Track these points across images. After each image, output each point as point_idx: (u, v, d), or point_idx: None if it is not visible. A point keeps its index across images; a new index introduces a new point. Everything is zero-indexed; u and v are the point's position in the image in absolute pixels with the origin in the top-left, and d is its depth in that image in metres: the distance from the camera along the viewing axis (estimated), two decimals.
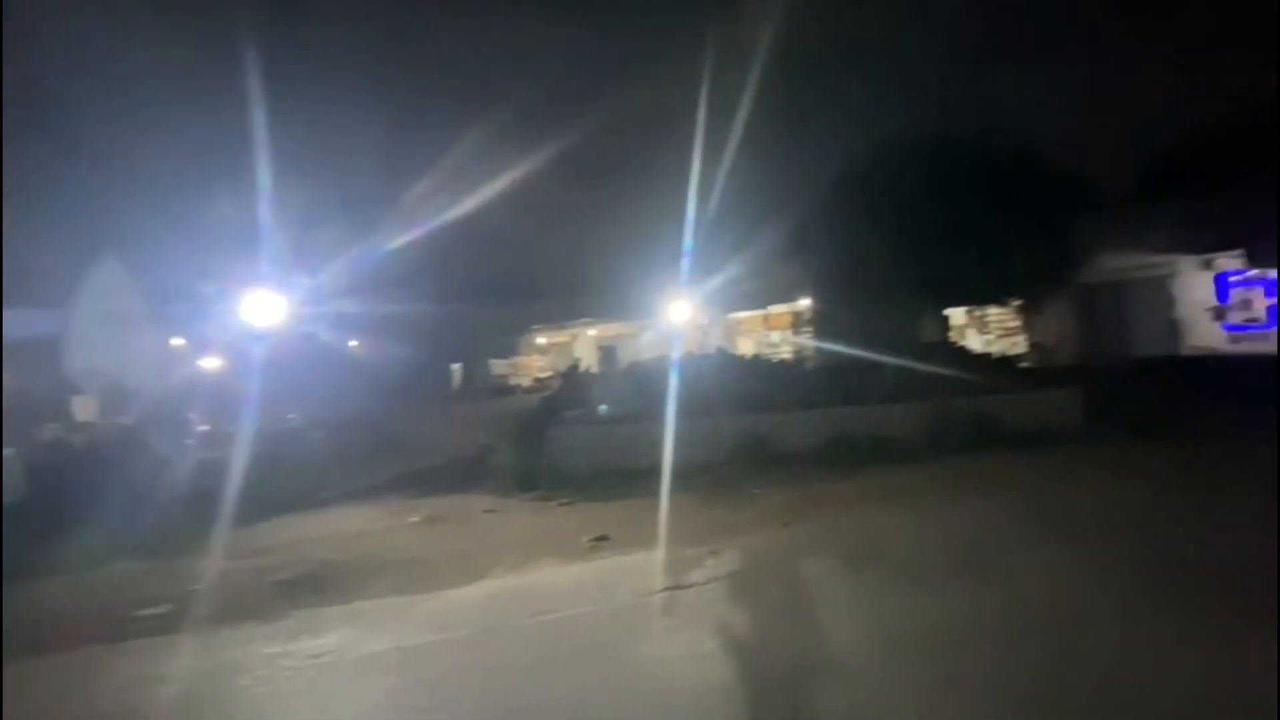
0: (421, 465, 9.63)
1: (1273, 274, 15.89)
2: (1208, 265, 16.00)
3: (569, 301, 23.89)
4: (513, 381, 24.84)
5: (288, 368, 13.37)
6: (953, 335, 16.57)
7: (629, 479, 6.97)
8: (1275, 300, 15.91)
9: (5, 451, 7.84)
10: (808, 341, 17.41)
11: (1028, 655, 2.76)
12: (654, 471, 6.68)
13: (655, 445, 7.21)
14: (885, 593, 3.61)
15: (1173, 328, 16.19)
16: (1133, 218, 15.98)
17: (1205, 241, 15.65)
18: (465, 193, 15.05)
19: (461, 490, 7.85)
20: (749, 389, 9.26)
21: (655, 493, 6.13)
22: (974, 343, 17.18)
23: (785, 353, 18.89)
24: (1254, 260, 15.70)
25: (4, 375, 13.82)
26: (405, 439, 12.33)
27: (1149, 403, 9.78)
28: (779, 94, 13.17)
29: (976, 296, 13.89)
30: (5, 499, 7.06)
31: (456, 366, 25.33)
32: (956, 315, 17.19)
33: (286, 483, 8.24)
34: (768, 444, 8.01)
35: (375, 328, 19.54)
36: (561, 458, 8.13)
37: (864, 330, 11.82)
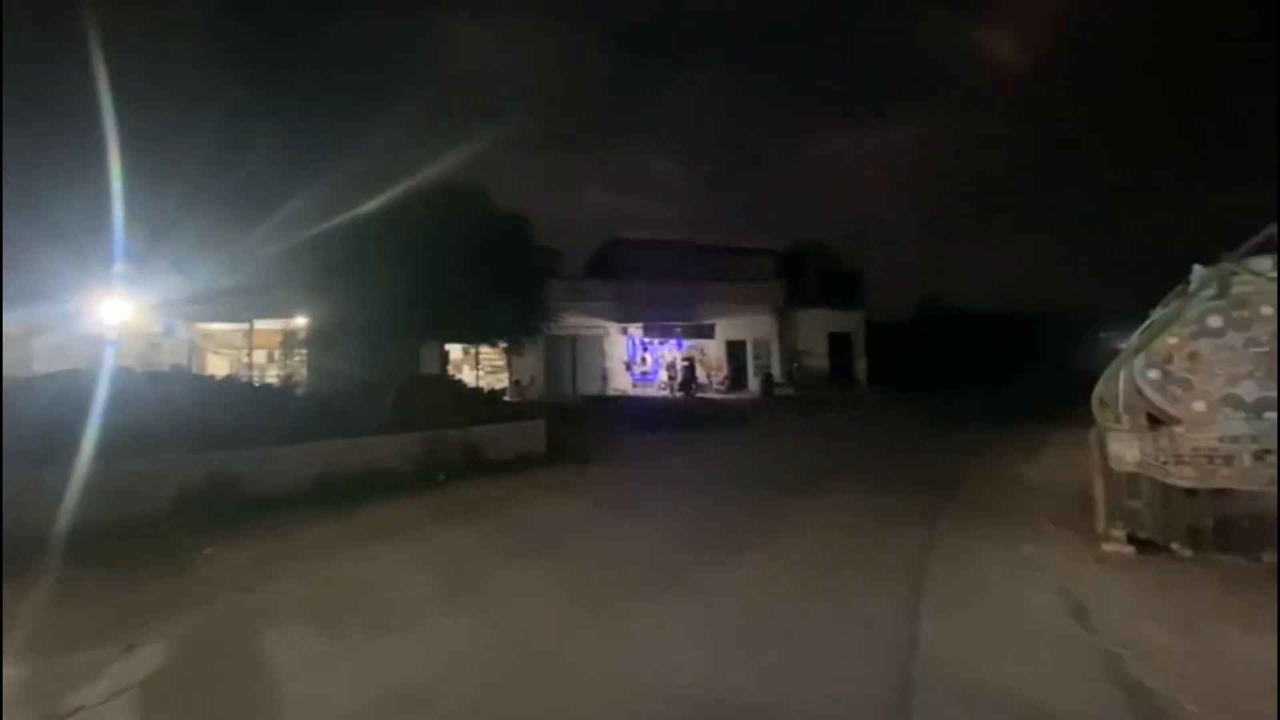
0: None
1: (657, 341, 23.19)
2: (624, 331, 22.12)
3: None
4: None
5: None
6: (451, 369, 17.85)
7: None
8: (658, 358, 23.27)
9: None
10: (301, 364, 15.69)
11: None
12: (43, 541, 4.66)
13: (53, 500, 5.07)
14: (358, 648, 3.37)
15: (604, 374, 21.59)
16: (583, 290, 20.74)
17: (623, 314, 21.58)
18: None
19: None
20: (217, 419, 7.59)
21: (44, 571, 4.25)
22: (469, 376, 18.89)
23: (272, 375, 16.46)
24: (649, 332, 22.57)
25: None
26: None
27: (589, 431, 12.72)
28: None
29: (470, 335, 15.25)
30: None
31: None
32: (455, 350, 18.68)
33: None
34: (238, 486, 6.67)
35: None
36: None
37: (364, 356, 11.48)
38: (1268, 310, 3.72)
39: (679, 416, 15.99)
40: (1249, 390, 3.75)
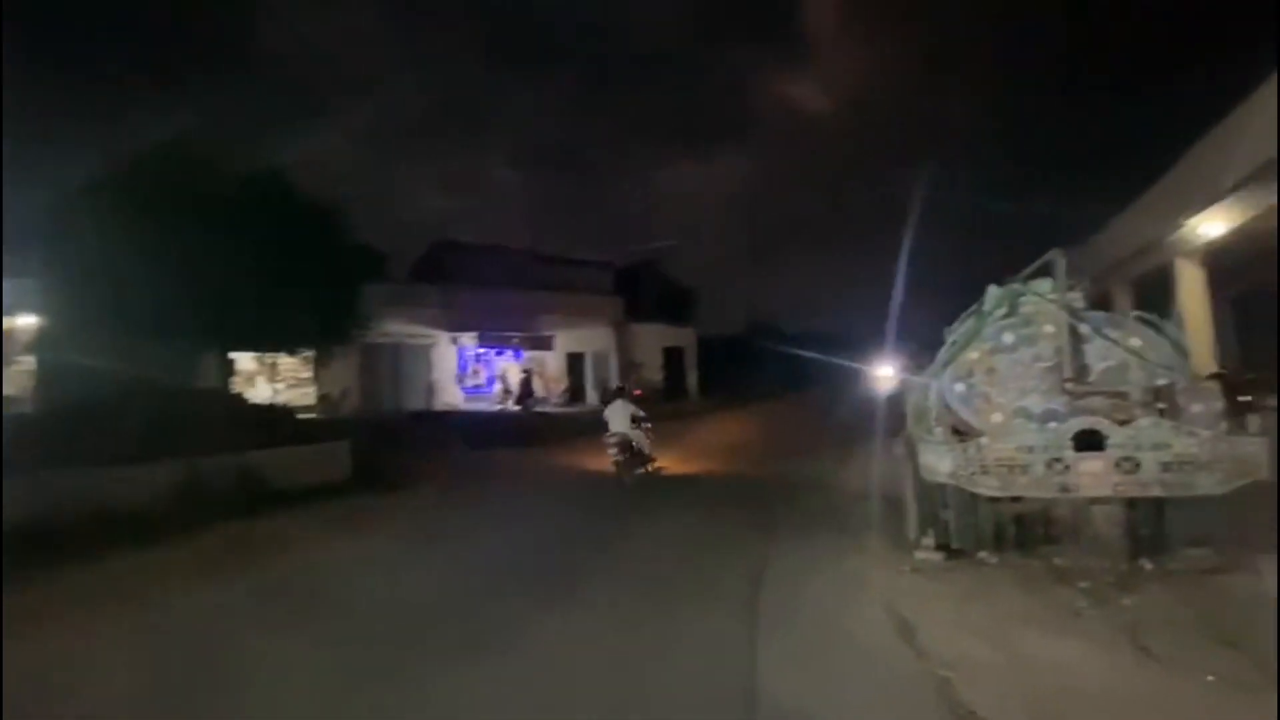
0: None
1: (492, 352, 22.01)
2: (455, 341, 20.61)
3: None
4: None
5: None
6: (242, 383, 15.16)
7: None
8: (494, 372, 22.07)
9: None
10: (27, 374, 12.36)
11: None
12: None
13: None
14: None
15: (430, 387, 19.87)
16: (409, 295, 19.01)
17: (455, 322, 20.11)
18: None
19: None
20: None
21: None
22: (263, 392, 16.22)
23: None
24: (483, 342, 21.31)
25: None
26: None
27: (410, 451, 11.40)
28: None
29: (263, 342, 13.06)
30: None
31: None
32: (248, 360, 15.91)
33: None
34: None
35: None
36: None
37: (117, 367, 9.13)
38: (1050, 328, 4.07)
39: (514, 432, 15.12)
40: (1036, 403, 4.07)
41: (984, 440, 3.77)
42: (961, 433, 4.27)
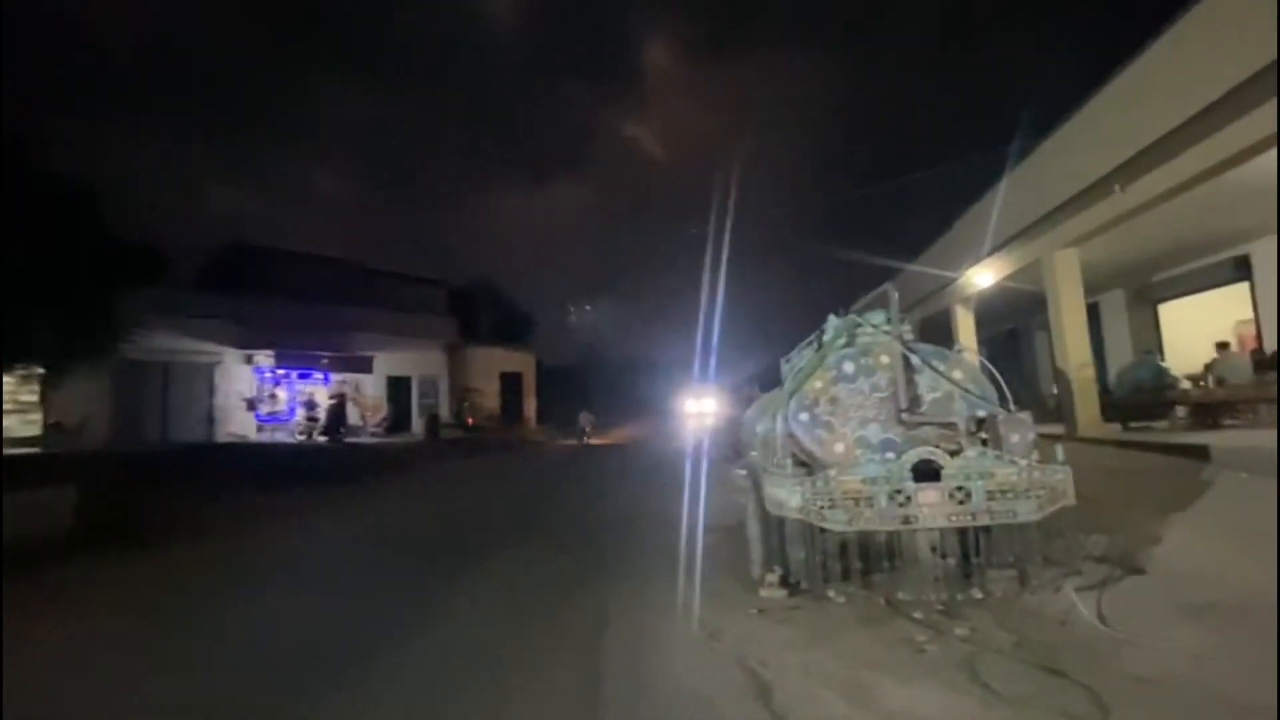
0: None
1: (297, 375, 19.20)
2: (250, 360, 17.65)
3: None
4: None
5: None
6: None
7: None
8: (296, 394, 19.21)
9: None
10: None
11: None
12: None
13: None
14: None
15: (211, 415, 16.71)
16: (190, 303, 15.93)
17: (248, 338, 17.24)
18: None
19: None
20: None
21: None
22: None
23: None
24: (283, 361, 18.51)
25: None
26: None
27: (175, 495, 9.19)
28: None
29: None
30: None
31: None
32: None
33: None
34: None
35: None
36: None
37: None
38: (885, 359, 4.12)
39: (318, 468, 13.07)
40: (874, 432, 4.07)
41: (832, 473, 3.64)
42: (805, 464, 4.15)
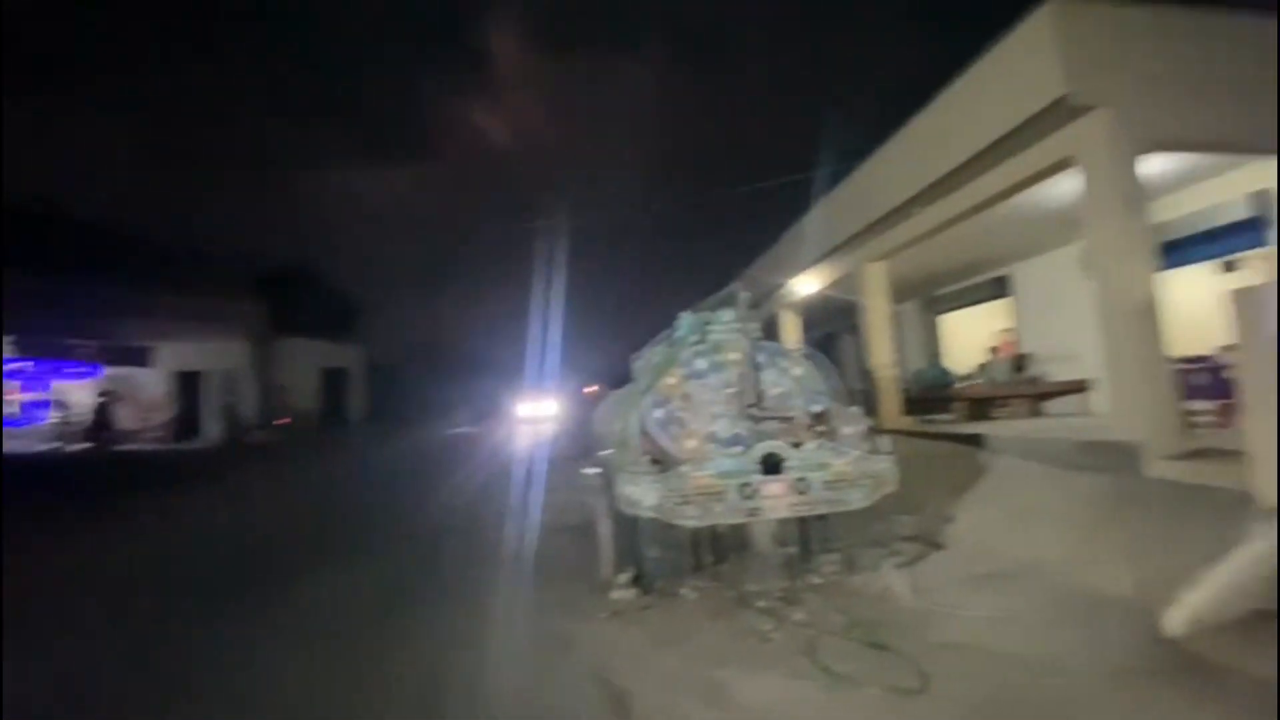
0: None
1: (50, 368, 15.54)
2: None
3: None
4: None
5: None
6: None
7: None
8: (50, 391, 15.57)
9: None
10: None
11: None
12: None
13: None
14: None
15: None
16: None
17: None
18: None
19: None
20: None
21: None
22: None
23: None
24: (27, 350, 14.91)
25: None
26: None
27: None
28: None
29: None
30: None
31: None
32: None
33: None
34: None
35: None
36: None
37: None
38: (735, 356, 4.22)
39: (74, 482, 10.65)
40: (724, 428, 4.14)
41: (685, 469, 3.62)
42: (658, 461, 4.11)
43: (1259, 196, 6.90)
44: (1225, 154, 5.96)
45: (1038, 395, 8.89)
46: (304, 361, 21.35)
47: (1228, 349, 6.49)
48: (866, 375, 10.24)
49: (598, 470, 4.75)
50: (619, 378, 8.75)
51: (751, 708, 2.73)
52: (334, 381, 22.64)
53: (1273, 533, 3.14)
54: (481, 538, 6.27)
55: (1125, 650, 2.99)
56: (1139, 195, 5.05)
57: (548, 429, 18.58)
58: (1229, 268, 7.91)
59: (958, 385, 10.03)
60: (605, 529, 4.37)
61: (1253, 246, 7.20)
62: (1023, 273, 10.92)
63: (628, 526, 4.06)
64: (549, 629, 3.71)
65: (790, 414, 4.26)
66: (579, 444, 10.38)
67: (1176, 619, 3.09)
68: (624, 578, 4.14)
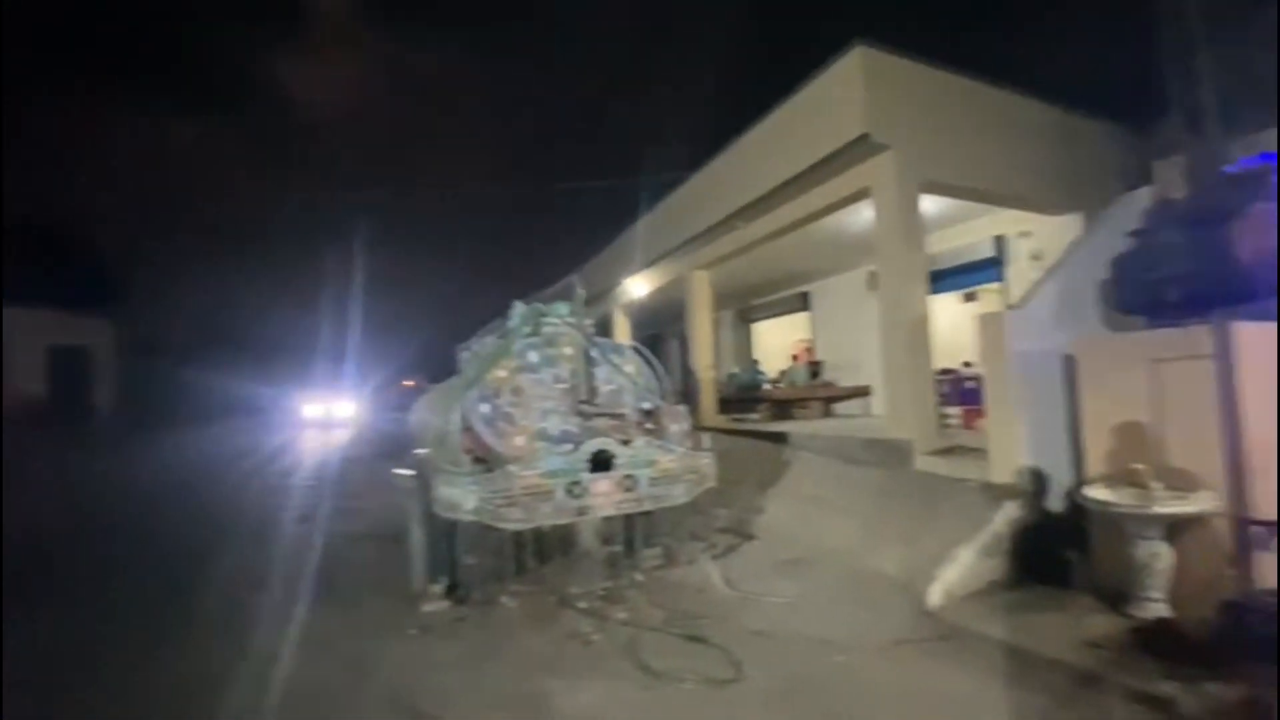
0: None
1: None
2: None
3: None
4: None
5: None
6: None
7: None
8: None
9: None
10: None
11: None
12: None
13: None
14: None
15: None
16: None
17: None
18: None
19: None
20: None
21: None
22: None
23: None
24: None
25: None
26: None
27: None
28: None
29: None
30: None
31: None
32: None
33: None
34: None
35: None
36: None
37: None
38: (569, 350, 4.09)
39: None
40: (554, 424, 3.99)
41: (513, 468, 3.40)
42: (482, 460, 3.84)
43: (998, 240, 8.49)
44: (978, 201, 7.21)
45: (830, 398, 10.04)
46: (23, 337, 16.95)
47: (968, 364, 7.89)
48: (688, 376, 10.76)
49: (411, 471, 4.32)
50: (441, 370, 8.17)
51: (572, 717, 2.62)
52: (67, 364, 18.27)
53: (1004, 517, 3.80)
54: (268, 553, 5.40)
55: (899, 624, 3.40)
56: (919, 227, 5.88)
57: (340, 435, 16.87)
58: (969, 298, 9.64)
59: (765, 388, 10.98)
60: (417, 536, 3.97)
61: (991, 281, 8.83)
62: (820, 289, 12.31)
63: (444, 532, 3.73)
64: (347, 652, 3.25)
65: (622, 411, 4.24)
66: (377, 448, 9.55)
67: (935, 593, 3.61)
68: (437, 588, 3.80)
